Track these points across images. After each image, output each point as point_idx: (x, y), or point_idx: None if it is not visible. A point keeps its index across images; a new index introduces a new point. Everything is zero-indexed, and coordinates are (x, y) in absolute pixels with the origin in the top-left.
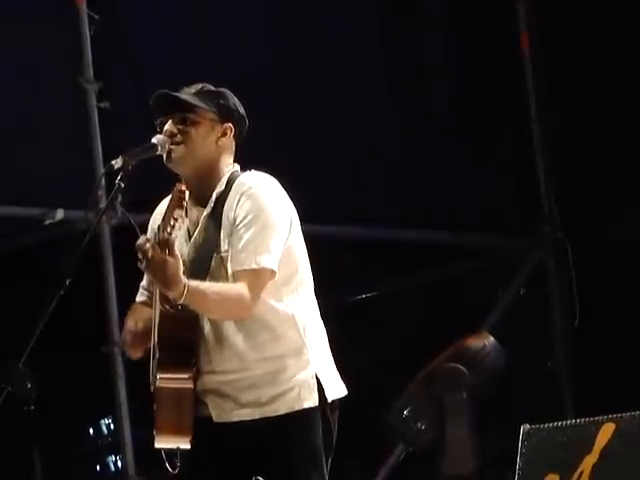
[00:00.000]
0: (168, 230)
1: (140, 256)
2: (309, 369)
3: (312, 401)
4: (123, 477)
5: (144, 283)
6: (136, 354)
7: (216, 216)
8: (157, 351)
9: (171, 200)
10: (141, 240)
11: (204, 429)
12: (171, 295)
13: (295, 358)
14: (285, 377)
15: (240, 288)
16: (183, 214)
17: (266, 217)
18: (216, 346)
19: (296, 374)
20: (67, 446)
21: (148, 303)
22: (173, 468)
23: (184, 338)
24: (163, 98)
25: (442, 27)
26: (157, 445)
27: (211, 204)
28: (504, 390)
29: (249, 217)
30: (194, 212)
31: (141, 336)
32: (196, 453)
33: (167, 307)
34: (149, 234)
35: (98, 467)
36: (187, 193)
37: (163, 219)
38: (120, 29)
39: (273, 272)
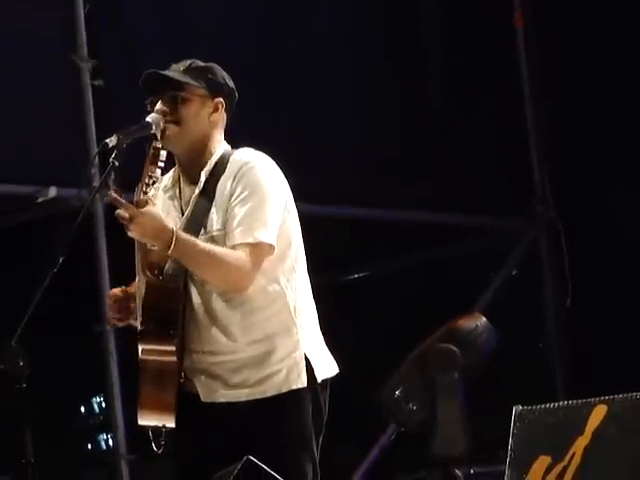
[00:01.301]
0: (144, 189)
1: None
2: (299, 350)
3: (300, 382)
4: (114, 455)
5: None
6: (119, 321)
7: (207, 194)
8: (140, 323)
9: (147, 159)
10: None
11: (191, 407)
12: (160, 245)
13: (285, 338)
14: (274, 359)
15: (239, 254)
16: (159, 172)
17: (263, 192)
18: (205, 325)
19: (285, 356)
20: (59, 424)
21: None
22: (158, 447)
23: (167, 309)
24: (152, 78)
25: (437, 11)
26: (141, 422)
27: (201, 183)
28: (496, 371)
29: (245, 192)
30: (187, 191)
31: (124, 301)
32: (183, 431)
33: (150, 275)
34: None
35: (89, 445)
36: (164, 152)
37: (140, 179)
38: (114, 7)
39: (271, 247)
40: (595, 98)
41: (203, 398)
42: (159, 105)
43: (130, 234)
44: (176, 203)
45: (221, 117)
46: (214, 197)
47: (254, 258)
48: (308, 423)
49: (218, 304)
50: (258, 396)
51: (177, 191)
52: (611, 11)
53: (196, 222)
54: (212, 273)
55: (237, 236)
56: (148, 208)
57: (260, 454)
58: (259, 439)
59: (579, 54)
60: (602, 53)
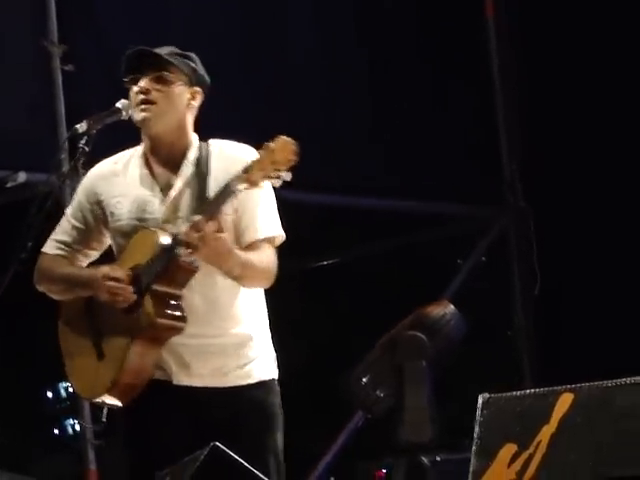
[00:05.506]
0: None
1: (192, 242)
2: (270, 343)
3: (274, 373)
4: (81, 441)
5: (65, 238)
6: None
7: (197, 181)
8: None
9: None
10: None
11: (163, 392)
12: (225, 268)
13: (262, 330)
14: (251, 348)
15: (269, 255)
16: None
17: (269, 188)
18: (198, 308)
19: (262, 346)
20: (26, 409)
21: (67, 257)
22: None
23: None
24: (141, 54)
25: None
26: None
27: (189, 168)
28: (464, 358)
29: (255, 190)
30: (162, 173)
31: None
32: (154, 416)
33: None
34: (82, 196)
35: (56, 430)
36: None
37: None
38: None
39: (283, 238)
40: (566, 88)
41: (175, 382)
42: (143, 82)
43: (195, 255)
44: (155, 186)
45: (196, 106)
46: (206, 184)
47: (275, 251)
48: (276, 411)
49: (214, 292)
50: (229, 384)
51: (149, 172)
52: (581, 9)
53: (186, 206)
54: (257, 282)
55: (261, 230)
56: (224, 235)
57: (229, 439)
58: (228, 424)
59: (550, 43)
60: (573, 41)
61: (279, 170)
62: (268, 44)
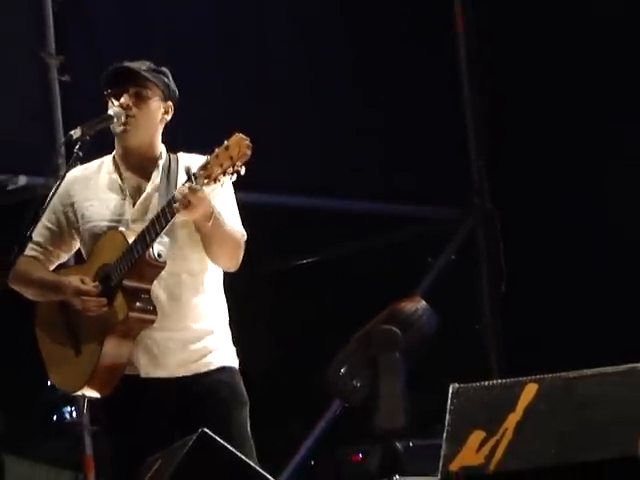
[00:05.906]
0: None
1: (186, 200)
2: (229, 338)
3: (233, 362)
4: (78, 427)
5: (38, 239)
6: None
7: (165, 188)
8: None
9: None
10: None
11: (132, 386)
12: (203, 220)
13: (221, 327)
14: (211, 342)
15: (243, 235)
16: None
17: (232, 192)
18: (163, 302)
19: (221, 340)
20: (25, 396)
21: (40, 259)
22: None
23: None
24: (122, 71)
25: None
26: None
27: (158, 177)
28: (435, 351)
29: (221, 192)
30: (132, 179)
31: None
32: (127, 410)
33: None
34: (56, 199)
35: (55, 417)
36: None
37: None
38: (81, 7)
39: (245, 238)
40: (532, 92)
41: (143, 375)
42: (124, 98)
43: (188, 212)
44: (125, 191)
45: (168, 119)
46: (173, 190)
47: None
48: (243, 391)
49: (178, 290)
50: (194, 372)
51: (119, 178)
52: (546, 10)
53: (152, 209)
54: (228, 249)
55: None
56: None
57: (201, 417)
58: (198, 409)
59: (519, 47)
60: (542, 40)
61: (235, 165)
62: (248, 48)
